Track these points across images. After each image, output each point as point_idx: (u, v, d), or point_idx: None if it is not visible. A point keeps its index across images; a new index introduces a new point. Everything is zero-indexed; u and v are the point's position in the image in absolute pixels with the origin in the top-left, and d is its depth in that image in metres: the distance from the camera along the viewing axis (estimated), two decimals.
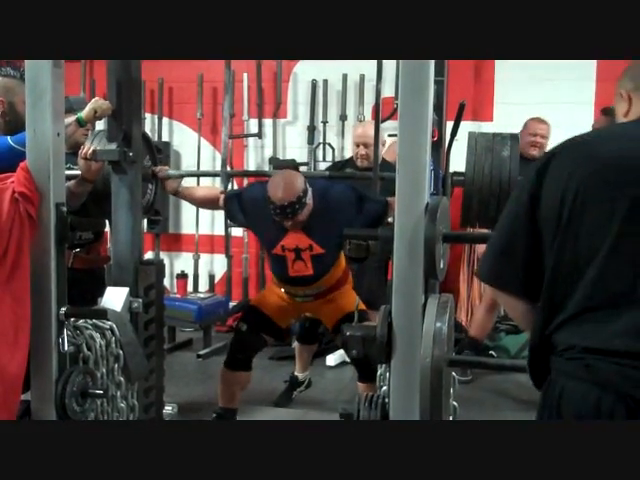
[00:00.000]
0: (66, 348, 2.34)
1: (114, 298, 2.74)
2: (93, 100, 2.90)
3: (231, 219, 3.58)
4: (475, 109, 5.25)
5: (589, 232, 1.47)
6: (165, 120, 5.86)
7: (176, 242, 5.96)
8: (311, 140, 5.53)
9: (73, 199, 2.83)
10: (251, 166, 5.71)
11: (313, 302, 3.41)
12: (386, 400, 2.10)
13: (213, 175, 4.62)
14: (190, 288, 5.60)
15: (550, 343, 1.53)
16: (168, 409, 3.46)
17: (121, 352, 2.56)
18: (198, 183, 5.09)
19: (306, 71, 5.51)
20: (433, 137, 2.30)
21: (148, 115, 5.83)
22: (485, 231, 3.28)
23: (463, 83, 5.00)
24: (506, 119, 5.01)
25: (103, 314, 2.51)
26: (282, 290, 3.43)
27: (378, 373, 2.55)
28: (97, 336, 2.50)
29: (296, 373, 4.11)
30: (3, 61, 4.06)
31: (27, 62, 2.29)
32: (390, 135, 4.11)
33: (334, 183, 3.40)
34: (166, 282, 4.49)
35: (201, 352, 5.03)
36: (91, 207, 3.11)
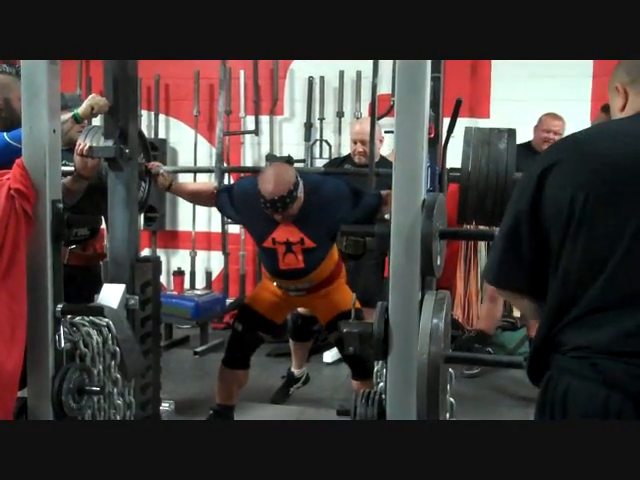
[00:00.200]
0: (62, 345, 2.34)
1: (111, 295, 2.74)
2: (90, 97, 2.89)
3: (222, 213, 3.58)
4: (472, 106, 5.25)
5: (603, 234, 1.45)
6: (162, 117, 5.86)
7: (173, 239, 5.95)
8: (308, 137, 5.52)
9: (69, 196, 2.82)
10: (248, 163, 5.70)
11: (306, 297, 3.40)
12: (383, 397, 2.10)
13: (207, 171, 4.62)
14: (187, 285, 5.59)
15: (555, 342, 1.52)
16: (165, 406, 3.46)
17: (118, 349, 2.55)
18: (195, 180, 5.09)
19: (303, 68, 5.50)
20: (430, 134, 2.30)
21: (145, 112, 5.83)
22: (483, 228, 3.28)
23: (460, 79, 5.01)
24: (503, 116, 5.01)
25: (100, 311, 2.51)
26: (274, 284, 3.42)
27: (375, 370, 2.55)
28: (94, 333, 2.50)
29: (292, 369, 4.11)
30: None
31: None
32: (387, 132, 4.11)
33: (328, 178, 3.40)
34: (163, 279, 4.48)
35: (198, 349, 5.03)
36: (86, 203, 3.11)
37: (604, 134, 1.59)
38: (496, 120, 4.95)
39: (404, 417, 1.98)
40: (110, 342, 2.54)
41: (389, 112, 4.66)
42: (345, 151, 5.08)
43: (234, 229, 5.64)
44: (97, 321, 2.53)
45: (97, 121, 3.76)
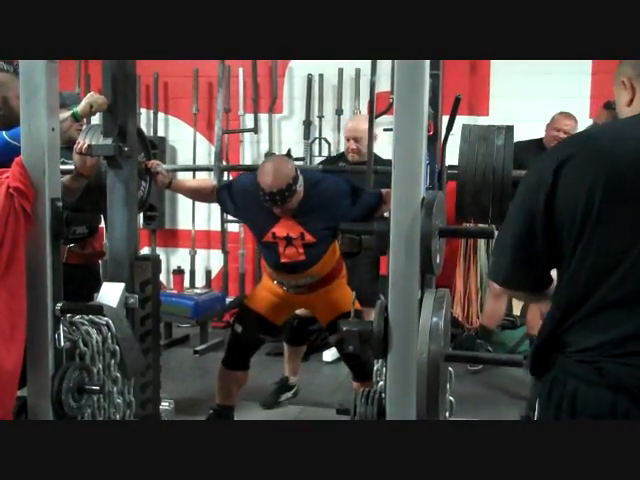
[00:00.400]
0: (62, 344, 2.33)
1: (110, 294, 2.74)
2: (89, 95, 2.89)
3: (223, 209, 3.59)
4: (471, 103, 5.25)
5: (619, 231, 1.44)
6: (161, 115, 5.85)
7: (172, 238, 5.95)
8: (307, 135, 5.52)
9: (68, 194, 2.82)
10: (247, 161, 5.71)
11: (307, 295, 3.39)
12: (382, 396, 2.10)
13: (206, 169, 4.62)
14: (187, 284, 5.59)
15: (559, 342, 1.51)
16: (165, 405, 3.46)
17: (117, 348, 2.55)
18: (194, 178, 5.08)
19: (302, 66, 5.50)
20: (429, 131, 2.29)
21: (143, 110, 5.82)
22: (482, 226, 3.27)
23: (459, 77, 5.01)
24: (502, 113, 5.01)
25: (99, 310, 2.51)
26: (275, 282, 3.41)
27: (375, 368, 2.55)
28: (93, 332, 2.50)
29: (287, 375, 4.07)
30: None
31: None
32: (385, 130, 4.10)
33: (328, 175, 3.41)
34: (162, 278, 4.48)
35: (198, 348, 5.03)
36: (85, 202, 3.11)
37: (616, 130, 1.57)
38: (495, 117, 4.95)
39: (404, 416, 1.98)
40: (110, 341, 2.54)
41: (388, 110, 4.65)
42: (344, 149, 5.08)
43: (233, 227, 5.64)
44: (97, 320, 2.53)
45: (96, 119, 3.76)
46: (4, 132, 2.70)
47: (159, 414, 3.13)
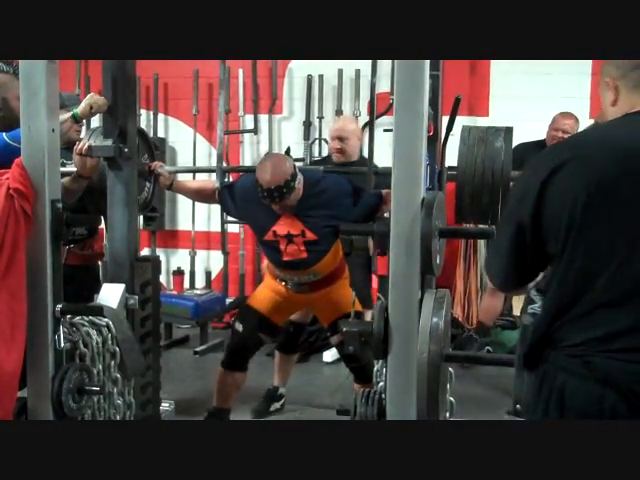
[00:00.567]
0: (62, 345, 2.33)
1: (110, 295, 2.73)
2: (89, 96, 2.89)
3: (224, 209, 3.60)
4: (471, 104, 5.25)
5: (603, 237, 1.46)
6: (161, 116, 5.85)
7: (172, 238, 5.95)
8: (307, 136, 5.52)
9: (68, 195, 2.82)
10: (247, 162, 5.70)
11: (309, 295, 3.40)
12: (383, 396, 2.10)
13: (208, 171, 4.62)
14: (186, 285, 5.59)
15: (551, 339, 1.53)
16: (165, 406, 3.46)
17: (117, 349, 2.55)
18: (194, 179, 5.08)
19: (302, 67, 5.50)
20: (429, 132, 2.29)
21: (143, 111, 5.82)
22: (482, 226, 3.27)
23: (459, 77, 5.01)
24: (502, 114, 5.01)
25: (99, 311, 2.51)
26: (278, 280, 3.42)
27: (375, 369, 2.55)
28: (93, 333, 2.49)
29: (276, 384, 3.99)
30: None
31: None
32: (385, 130, 4.10)
33: (329, 174, 3.41)
34: (162, 279, 4.49)
35: (198, 349, 5.03)
36: (87, 203, 3.11)
37: (601, 134, 1.60)
38: (495, 118, 4.95)
39: (404, 416, 1.98)
40: (110, 342, 2.53)
41: (388, 110, 4.65)
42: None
43: (233, 228, 5.64)
44: (97, 321, 2.53)
45: (96, 120, 3.76)
46: (4, 133, 2.70)
47: (159, 415, 3.13)
